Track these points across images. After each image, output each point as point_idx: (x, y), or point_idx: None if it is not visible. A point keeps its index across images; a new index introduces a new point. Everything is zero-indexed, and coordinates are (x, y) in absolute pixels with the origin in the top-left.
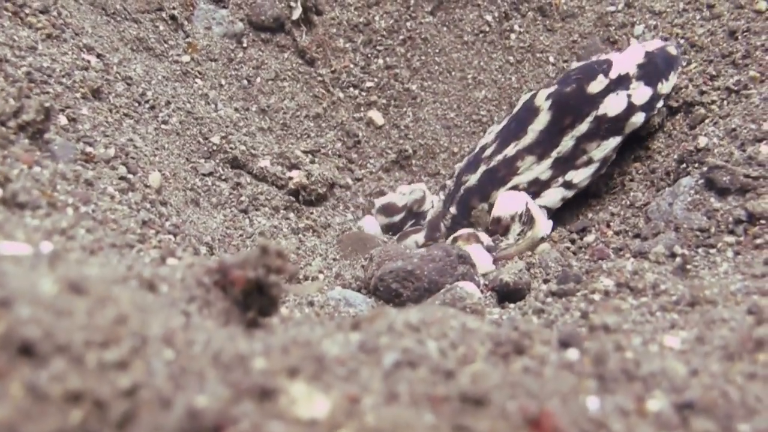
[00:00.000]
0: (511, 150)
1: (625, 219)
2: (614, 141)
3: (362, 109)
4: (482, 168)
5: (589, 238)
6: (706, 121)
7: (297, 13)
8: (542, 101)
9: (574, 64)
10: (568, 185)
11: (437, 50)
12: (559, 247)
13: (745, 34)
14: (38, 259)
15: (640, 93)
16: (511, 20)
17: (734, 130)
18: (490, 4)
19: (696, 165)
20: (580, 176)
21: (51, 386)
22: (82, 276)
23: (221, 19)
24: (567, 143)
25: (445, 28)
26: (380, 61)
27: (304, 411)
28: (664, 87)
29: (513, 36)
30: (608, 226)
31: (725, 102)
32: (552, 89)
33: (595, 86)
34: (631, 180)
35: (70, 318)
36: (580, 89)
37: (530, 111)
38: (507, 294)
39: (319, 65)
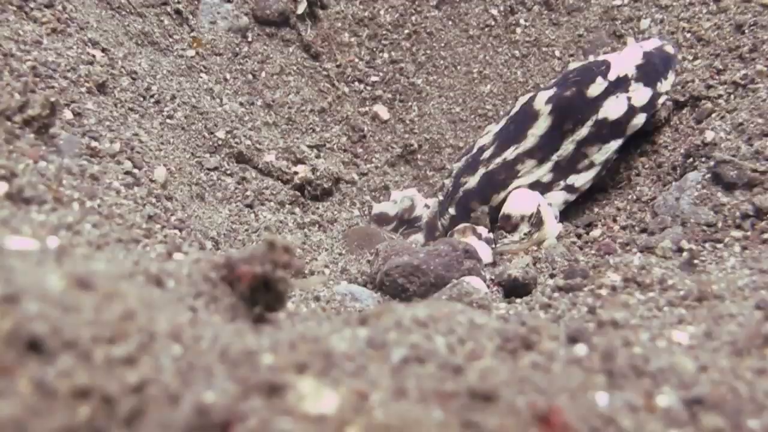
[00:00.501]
0: (510, 153)
1: (632, 214)
2: (615, 144)
3: (367, 103)
4: (481, 171)
5: (596, 232)
6: (713, 115)
7: (302, 8)
8: (542, 105)
9: (572, 65)
10: (570, 189)
11: (442, 44)
12: (565, 241)
13: (751, 27)
14: (45, 254)
15: (640, 95)
16: (517, 14)
17: (741, 124)
18: None
19: (703, 159)
20: (581, 180)
21: (59, 382)
22: (89, 271)
23: (226, 14)
24: (568, 147)
25: (450, 22)
26: (385, 55)
27: (313, 407)
28: (663, 86)
29: (518, 30)
30: (615, 220)
31: (732, 96)
32: (551, 92)
33: (595, 89)
34: (638, 174)
35: (78, 314)
36: (580, 93)
37: (529, 114)
38: (514, 289)
39: (324, 59)
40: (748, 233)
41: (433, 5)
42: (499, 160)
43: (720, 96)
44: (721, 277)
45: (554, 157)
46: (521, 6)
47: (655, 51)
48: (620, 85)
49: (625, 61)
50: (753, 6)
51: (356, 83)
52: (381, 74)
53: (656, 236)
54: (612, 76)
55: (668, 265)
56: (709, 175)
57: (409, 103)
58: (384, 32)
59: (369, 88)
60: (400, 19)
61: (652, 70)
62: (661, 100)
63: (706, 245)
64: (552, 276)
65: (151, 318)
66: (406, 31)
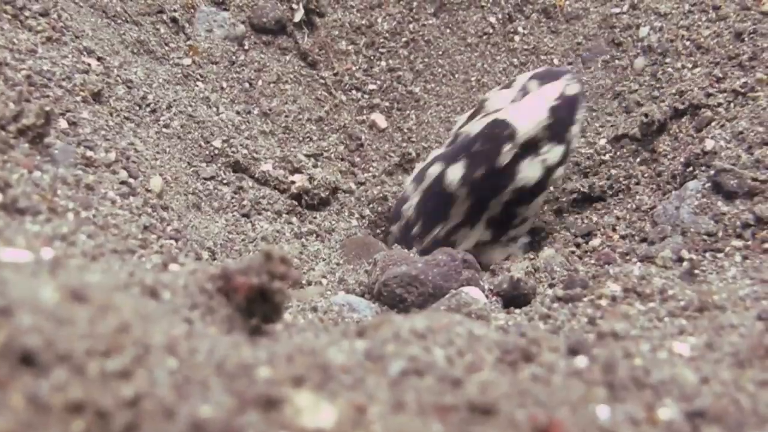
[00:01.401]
0: (440, 231)
1: (631, 223)
2: (542, 196)
3: (365, 111)
4: (417, 247)
5: (595, 242)
6: (713, 123)
7: (299, 16)
8: (456, 186)
9: (473, 126)
10: (514, 239)
11: (440, 52)
12: (564, 251)
13: (751, 35)
14: (39, 266)
15: (554, 154)
16: (515, 22)
17: (741, 133)
18: (494, 5)
19: (703, 168)
20: (522, 230)
21: (52, 396)
22: (83, 283)
23: (222, 22)
24: (495, 208)
25: (448, 30)
26: (383, 63)
27: (310, 421)
28: (574, 131)
29: (517, 38)
30: (614, 230)
31: (732, 104)
32: (461, 170)
33: (505, 157)
34: (637, 183)
35: (72, 326)
36: (491, 168)
37: (445, 195)
38: (513, 299)
39: (321, 68)
40: (749, 243)
41: (431, 13)
42: (430, 237)
43: (720, 104)
44: (721, 287)
45: (484, 217)
46: (519, 14)
47: (560, 102)
48: (530, 148)
49: (530, 120)
50: (752, 14)
51: (354, 91)
52: (379, 82)
53: (656, 246)
54: (520, 139)
55: (668, 275)
56: (709, 184)
57: (407, 112)
58: (381, 40)
59: (366, 96)
60: (398, 27)
61: (560, 125)
62: (573, 145)
63: (707, 255)
64: (551, 286)
65: (146, 330)
66: (404, 39)
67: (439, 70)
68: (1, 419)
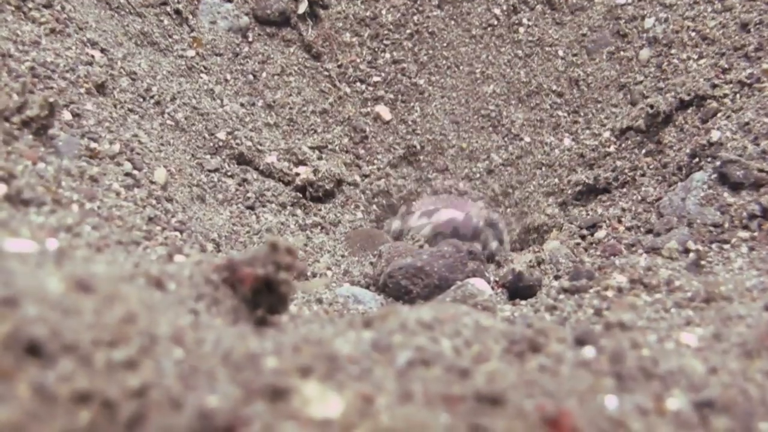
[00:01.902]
0: None
1: (637, 214)
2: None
3: (369, 104)
4: None
5: (600, 233)
6: (719, 114)
7: (303, 7)
8: None
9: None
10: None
11: (445, 44)
12: (569, 243)
13: (757, 26)
14: (44, 256)
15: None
16: (520, 13)
17: (747, 123)
18: None
19: (709, 159)
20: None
21: (58, 387)
22: (89, 274)
23: (226, 13)
24: None
25: (452, 22)
26: (387, 55)
27: (318, 411)
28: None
29: (521, 29)
30: (620, 221)
31: (738, 95)
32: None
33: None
34: (643, 175)
35: (78, 317)
36: None
37: None
38: (518, 290)
39: (325, 60)
40: (755, 234)
41: (435, 5)
42: None
43: (725, 95)
44: (728, 278)
45: None
46: (524, 5)
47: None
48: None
49: None
50: (758, 4)
51: (358, 84)
52: (383, 74)
53: (662, 237)
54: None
55: (675, 266)
56: (715, 175)
57: (412, 104)
58: (386, 32)
59: (371, 88)
60: (402, 19)
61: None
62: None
63: (713, 246)
64: (557, 278)
65: (153, 321)
66: (408, 31)
67: (444, 62)
68: (8, 409)
